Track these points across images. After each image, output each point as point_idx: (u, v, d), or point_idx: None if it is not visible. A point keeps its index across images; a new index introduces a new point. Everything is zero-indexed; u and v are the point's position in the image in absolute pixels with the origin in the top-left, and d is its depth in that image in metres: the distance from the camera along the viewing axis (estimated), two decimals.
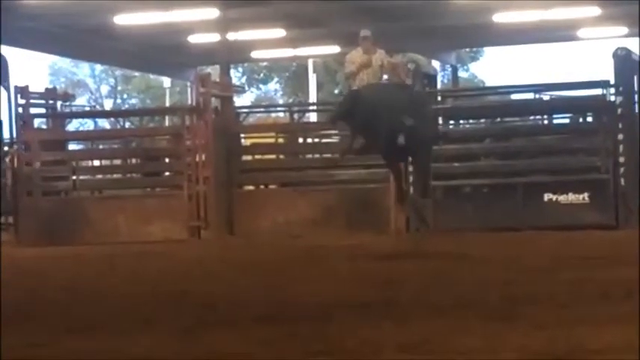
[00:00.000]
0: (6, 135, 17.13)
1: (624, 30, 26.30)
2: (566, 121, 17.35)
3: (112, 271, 10.68)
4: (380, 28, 17.79)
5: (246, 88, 46.70)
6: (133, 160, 18.42)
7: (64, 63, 48.97)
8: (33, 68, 47.69)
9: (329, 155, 15.80)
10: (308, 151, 17.84)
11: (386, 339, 5.28)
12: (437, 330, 5.53)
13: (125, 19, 24.15)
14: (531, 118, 17.83)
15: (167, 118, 25.01)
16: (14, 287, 8.76)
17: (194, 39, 27.04)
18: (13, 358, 5.26)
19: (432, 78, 16.61)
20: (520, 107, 17.41)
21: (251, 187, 17.28)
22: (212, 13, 22.81)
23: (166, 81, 41.87)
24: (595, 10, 24.23)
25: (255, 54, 30.29)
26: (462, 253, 10.71)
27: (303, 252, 12.23)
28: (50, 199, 16.81)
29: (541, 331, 5.38)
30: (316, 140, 18.74)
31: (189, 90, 29.41)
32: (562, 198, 14.99)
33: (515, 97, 18.91)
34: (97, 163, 18.98)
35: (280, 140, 18.58)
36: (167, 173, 18.00)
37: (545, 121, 17.19)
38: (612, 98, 15.12)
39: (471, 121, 17.88)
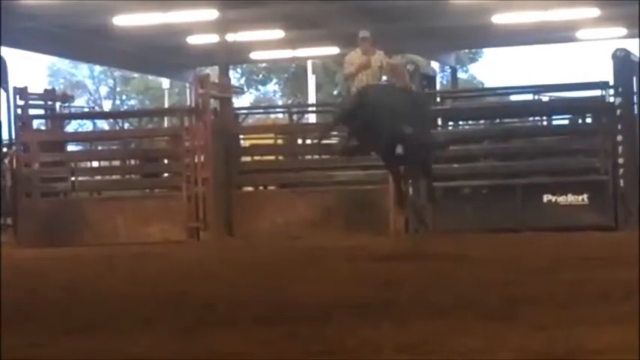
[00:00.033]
0: (5, 136, 17.12)
1: (623, 31, 26.31)
2: (566, 122, 17.35)
3: (112, 272, 10.69)
4: (379, 29, 17.80)
5: (245, 89, 46.73)
6: (132, 162, 18.40)
7: (63, 64, 49.00)
8: (32, 69, 47.78)
9: (328, 156, 15.84)
10: (307, 152, 17.83)
11: (385, 339, 5.29)
12: (436, 330, 5.54)
13: (124, 20, 24.15)
14: (530, 119, 17.81)
15: (166, 119, 24.93)
16: (14, 287, 8.77)
17: (193, 40, 27.04)
18: (13, 358, 5.26)
19: (431, 79, 16.62)
20: (519, 108, 17.40)
21: (250, 189, 17.28)
22: (211, 14, 22.80)
23: (165, 82, 41.86)
24: (594, 12, 24.24)
25: (254, 55, 30.31)
26: (461, 254, 10.72)
27: (302, 253, 12.24)
28: (49, 200, 16.81)
29: (541, 331, 5.38)
30: (315, 141, 18.72)
31: (188, 91, 29.48)
32: (561, 199, 14.99)
33: (514, 98, 18.88)
34: (95, 164, 18.99)
35: (279, 141, 18.57)
36: (166, 174, 17.99)
37: (545, 123, 17.18)
38: (611, 99, 15.14)
39: (470, 122, 17.90)
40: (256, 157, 17.96)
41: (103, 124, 31.41)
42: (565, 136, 16.58)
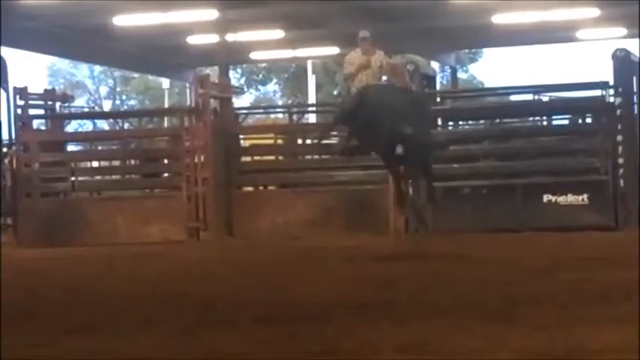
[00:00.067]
0: (5, 136, 17.12)
1: (623, 31, 26.30)
2: (566, 122, 17.35)
3: (112, 272, 10.69)
4: (379, 29, 17.79)
5: (245, 89, 46.71)
6: (132, 162, 18.40)
7: (63, 64, 48.99)
8: (32, 69, 47.78)
9: (328, 156, 15.84)
10: (307, 152, 17.83)
11: (385, 339, 5.29)
12: (436, 330, 5.54)
13: (124, 20, 24.15)
14: (530, 119, 17.81)
15: (166, 119, 24.93)
16: (14, 287, 8.77)
17: (193, 40, 27.04)
18: (13, 358, 5.26)
19: (431, 79, 16.62)
20: (519, 108, 17.40)
21: (250, 189, 17.27)
22: (211, 14, 22.80)
23: (165, 82, 41.86)
24: (594, 12, 24.23)
25: (254, 55, 30.30)
26: (461, 254, 10.72)
27: (302, 253, 12.24)
28: (49, 200, 16.80)
29: (540, 331, 5.38)
30: (315, 141, 18.71)
31: (188, 91, 29.48)
32: (561, 199, 14.99)
33: (514, 98, 18.88)
34: (95, 164, 18.98)
35: (279, 141, 18.57)
36: (166, 174, 17.99)
37: (545, 123, 17.18)
38: (611, 99, 15.14)
39: (470, 122, 17.90)
40: (256, 157, 17.96)
41: (103, 124, 31.40)
42: (565, 136, 16.57)
